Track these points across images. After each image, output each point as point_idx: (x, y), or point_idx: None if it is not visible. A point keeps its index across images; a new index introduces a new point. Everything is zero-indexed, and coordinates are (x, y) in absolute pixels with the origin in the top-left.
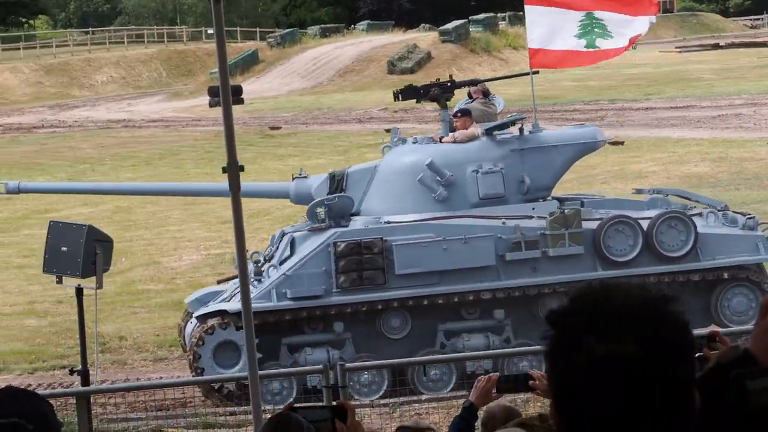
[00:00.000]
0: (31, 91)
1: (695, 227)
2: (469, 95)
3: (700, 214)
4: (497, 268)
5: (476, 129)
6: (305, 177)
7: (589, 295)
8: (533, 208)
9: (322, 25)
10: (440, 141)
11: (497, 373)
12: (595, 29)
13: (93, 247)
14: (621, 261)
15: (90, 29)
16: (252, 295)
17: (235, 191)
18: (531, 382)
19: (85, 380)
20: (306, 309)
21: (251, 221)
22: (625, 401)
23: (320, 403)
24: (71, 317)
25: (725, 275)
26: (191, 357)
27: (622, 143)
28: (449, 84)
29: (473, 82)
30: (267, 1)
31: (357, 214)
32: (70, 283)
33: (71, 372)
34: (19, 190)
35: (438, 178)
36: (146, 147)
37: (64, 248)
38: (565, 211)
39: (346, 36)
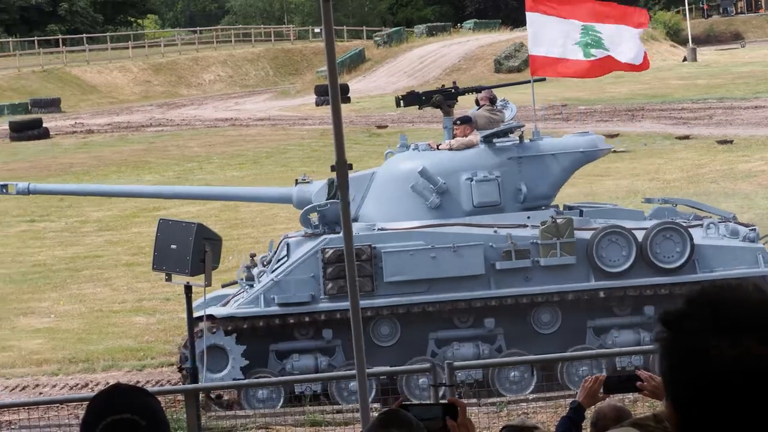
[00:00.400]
0: (140, 90)
1: (691, 238)
2: (477, 102)
3: (700, 225)
4: (488, 277)
5: (475, 136)
6: (308, 182)
7: (706, 296)
8: (528, 217)
9: (429, 24)
10: (437, 148)
11: (604, 374)
12: (590, 40)
13: (202, 245)
14: (614, 272)
15: (197, 28)
16: (241, 301)
17: (344, 190)
18: (639, 383)
19: (194, 377)
20: (293, 315)
21: None
22: (749, 401)
23: (430, 401)
24: (179, 315)
25: None
26: (178, 358)
27: (730, 142)
28: (452, 90)
29: (477, 89)
30: (374, 0)
31: (356, 220)
32: (179, 280)
33: (180, 369)
34: (29, 191)
35: (430, 185)
36: (253, 146)
37: (173, 246)
38: (557, 220)
39: (452, 34)
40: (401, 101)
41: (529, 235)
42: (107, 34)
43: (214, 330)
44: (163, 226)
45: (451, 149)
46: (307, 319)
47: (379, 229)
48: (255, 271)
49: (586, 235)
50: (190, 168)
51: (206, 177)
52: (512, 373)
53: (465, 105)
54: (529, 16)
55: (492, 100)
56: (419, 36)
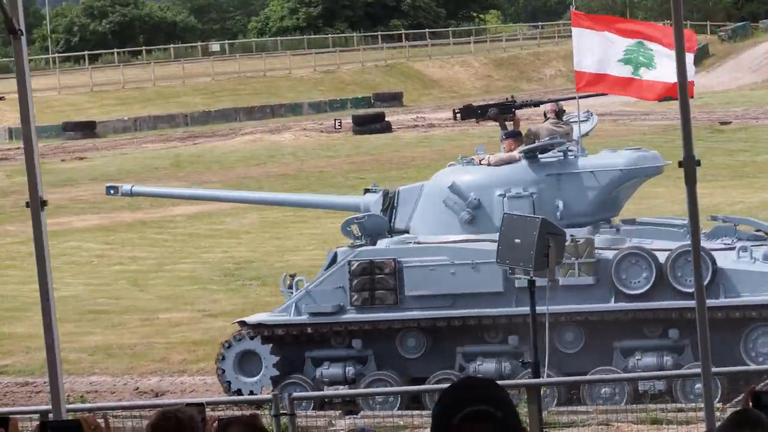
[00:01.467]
0: (481, 84)
1: (713, 262)
2: (545, 115)
3: (733, 248)
4: (511, 294)
5: (516, 152)
6: (376, 191)
7: None
8: (573, 235)
9: None
10: (480, 163)
11: None
12: (641, 58)
13: (546, 240)
14: (634, 294)
15: (539, 23)
16: (277, 309)
17: (691, 186)
18: None
19: (536, 372)
20: (319, 325)
21: None
22: None
23: None
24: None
25: (749, 314)
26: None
27: None
28: (509, 104)
29: (535, 103)
30: None
31: (407, 231)
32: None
33: (523, 364)
34: (131, 194)
35: (461, 200)
36: (596, 141)
37: (517, 240)
38: (577, 240)
39: None
40: (458, 114)
41: None
42: (449, 29)
43: (242, 336)
44: (508, 221)
45: (489, 165)
46: (334, 329)
47: (416, 242)
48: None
49: (609, 255)
50: None
51: None
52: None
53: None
54: (575, 31)
55: (558, 114)
56: (765, 31)
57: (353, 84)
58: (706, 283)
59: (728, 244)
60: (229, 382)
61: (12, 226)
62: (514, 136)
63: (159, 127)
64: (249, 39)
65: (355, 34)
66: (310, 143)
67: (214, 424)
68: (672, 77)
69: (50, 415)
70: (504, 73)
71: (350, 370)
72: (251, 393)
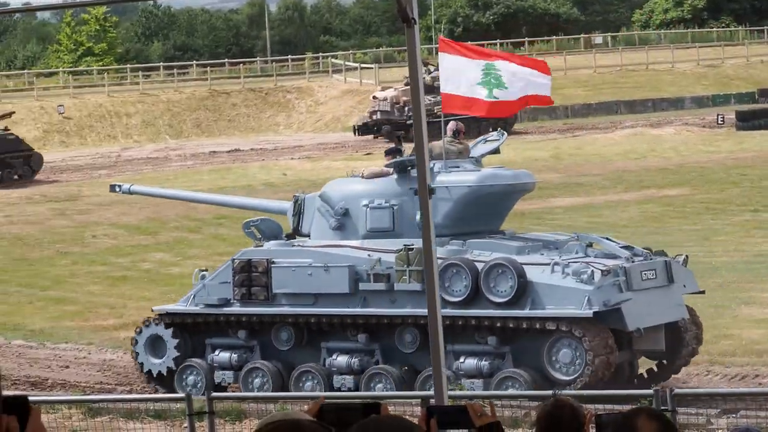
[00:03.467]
0: None
1: (519, 275)
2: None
3: (547, 264)
4: (361, 296)
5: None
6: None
7: None
8: (412, 244)
9: None
10: (359, 175)
11: None
12: (492, 79)
13: None
14: (454, 301)
15: None
16: (182, 300)
17: None
18: None
19: None
20: (207, 315)
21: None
22: None
23: None
24: None
25: (550, 325)
26: (131, 343)
27: None
28: (401, 122)
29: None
30: None
31: (308, 236)
32: None
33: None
34: (130, 192)
35: (330, 208)
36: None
37: None
38: (410, 249)
39: None
40: (357, 131)
41: (393, 261)
42: None
43: (150, 323)
44: None
45: (362, 177)
46: (221, 319)
47: (299, 245)
48: None
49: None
50: None
51: None
52: (378, 385)
53: None
54: (440, 56)
55: (455, 133)
56: None
57: (737, 79)
58: (513, 294)
59: (553, 260)
60: (142, 363)
61: None
62: (393, 153)
63: (539, 118)
64: (632, 32)
65: (740, 28)
66: (692, 138)
67: (593, 418)
68: (518, 93)
69: (431, 401)
70: None
71: (234, 358)
72: (159, 373)
